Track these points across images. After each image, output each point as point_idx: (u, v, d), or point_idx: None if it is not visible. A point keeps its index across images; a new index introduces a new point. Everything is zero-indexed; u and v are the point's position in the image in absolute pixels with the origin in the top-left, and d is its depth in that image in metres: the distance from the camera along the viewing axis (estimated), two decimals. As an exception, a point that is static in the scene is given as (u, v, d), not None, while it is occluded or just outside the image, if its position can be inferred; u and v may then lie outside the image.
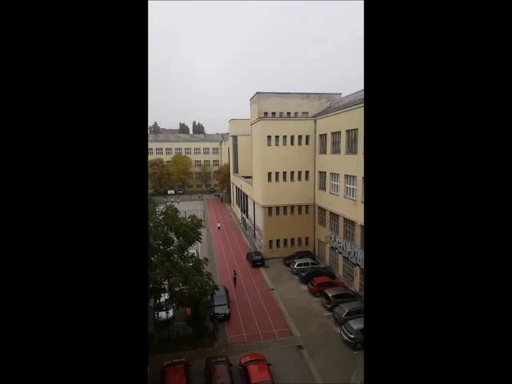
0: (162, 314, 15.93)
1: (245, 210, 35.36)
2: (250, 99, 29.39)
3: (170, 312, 16.43)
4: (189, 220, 14.56)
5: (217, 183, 59.72)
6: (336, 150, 21.60)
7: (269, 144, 24.85)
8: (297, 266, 22.65)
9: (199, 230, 14.57)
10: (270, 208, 25.41)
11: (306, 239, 25.93)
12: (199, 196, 57.74)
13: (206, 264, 14.78)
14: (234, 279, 22.33)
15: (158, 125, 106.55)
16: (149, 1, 2.67)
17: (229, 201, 50.74)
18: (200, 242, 15.28)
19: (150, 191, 59.61)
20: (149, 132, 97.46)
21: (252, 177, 31.32)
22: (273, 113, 27.06)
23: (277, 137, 24.72)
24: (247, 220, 34.04)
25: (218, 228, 36.19)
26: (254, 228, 29.67)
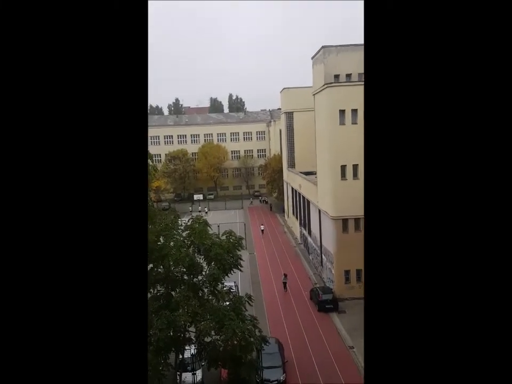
0: (187, 377, 16.13)
1: (305, 223, 34.89)
2: (313, 57, 28.85)
3: (199, 374, 16.62)
4: (224, 237, 14.58)
5: (264, 183, 60.19)
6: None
7: (342, 123, 24.04)
8: (390, 312, 21.38)
9: (239, 252, 14.49)
10: (345, 221, 24.47)
11: (405, 269, 24.36)
12: (250, 202, 58.87)
13: (249, 303, 14.63)
14: (284, 283, 26.12)
15: (180, 103, 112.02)
16: (149, 1, 3.71)
17: (282, 210, 50.68)
18: (241, 271, 15.22)
19: (169, 196, 62.50)
20: (168, 113, 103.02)
21: (315, 174, 30.75)
22: (348, 76, 26.03)
23: (354, 111, 23.73)
24: (309, 238, 33.49)
25: (262, 231, 41.63)
26: (321, 250, 28.99)
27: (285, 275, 27.66)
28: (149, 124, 70.14)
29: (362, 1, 3.27)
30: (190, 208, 54.00)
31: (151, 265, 14.41)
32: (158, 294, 14.39)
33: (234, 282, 24.09)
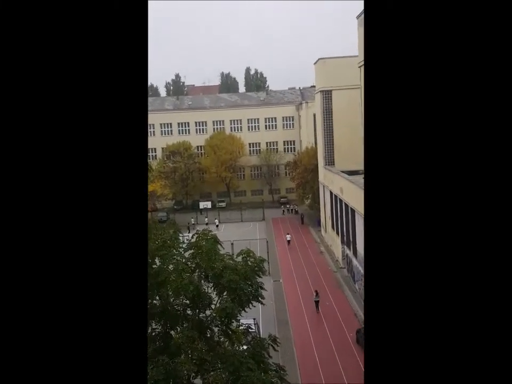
0: None
1: (349, 240, 34.67)
2: (358, 16, 28.87)
3: None
4: (240, 259, 14.68)
5: (293, 187, 60.14)
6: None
7: (399, 104, 23.85)
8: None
9: (259, 279, 14.53)
10: (403, 237, 24.20)
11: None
12: (282, 211, 59.04)
13: (274, 348, 14.65)
14: (317, 303, 28.42)
15: (182, 80, 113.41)
16: (149, 1, 4.69)
17: (317, 223, 50.61)
18: (262, 304, 15.25)
19: (167, 203, 63.15)
20: (165, 93, 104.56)
21: (362, 173, 30.50)
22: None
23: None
24: (354, 260, 33.27)
25: (288, 241, 45.16)
26: (370, 277, 28.69)
27: (316, 292, 30.22)
28: (140, 109, 71.42)
29: (362, 1, 4.13)
30: (195, 219, 54.49)
31: (143, 296, 14.60)
32: (154, 333, 14.52)
33: (254, 319, 24.13)
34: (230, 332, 14.18)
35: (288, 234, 46.55)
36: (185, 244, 15.39)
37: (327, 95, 41.58)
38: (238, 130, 68.92)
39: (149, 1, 4.72)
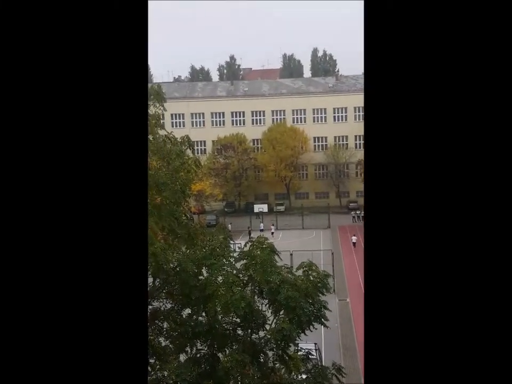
0: None
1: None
2: None
3: None
4: (300, 273, 14.64)
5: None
6: None
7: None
8: None
9: (323, 297, 14.43)
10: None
11: None
12: (353, 218, 58.74)
13: (338, 380, 14.52)
14: None
15: (237, 63, 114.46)
16: (149, 1, 5.43)
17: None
18: (326, 326, 15.13)
19: (217, 204, 63.74)
20: (218, 78, 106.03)
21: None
22: None
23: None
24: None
25: (354, 243, 47.89)
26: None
27: None
28: (190, 95, 72.61)
29: (362, 1, 4.72)
30: (249, 225, 54.79)
31: (188, 311, 14.81)
32: (198, 354, 14.71)
33: (315, 344, 24.10)
34: (287, 358, 14.17)
35: (354, 235, 48.05)
36: (237, 253, 15.50)
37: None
38: (301, 122, 68.81)
39: (149, 1, 5.47)
